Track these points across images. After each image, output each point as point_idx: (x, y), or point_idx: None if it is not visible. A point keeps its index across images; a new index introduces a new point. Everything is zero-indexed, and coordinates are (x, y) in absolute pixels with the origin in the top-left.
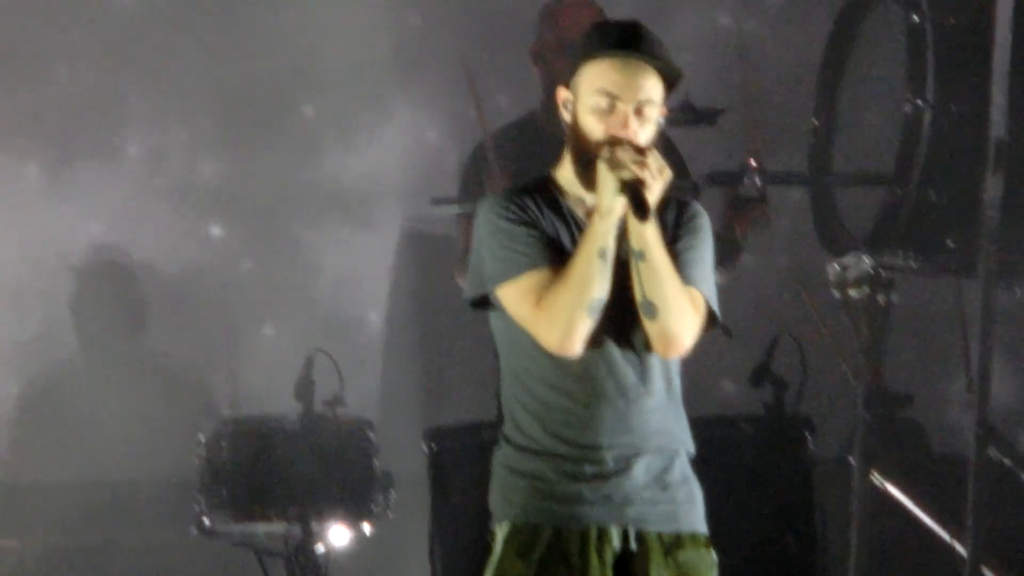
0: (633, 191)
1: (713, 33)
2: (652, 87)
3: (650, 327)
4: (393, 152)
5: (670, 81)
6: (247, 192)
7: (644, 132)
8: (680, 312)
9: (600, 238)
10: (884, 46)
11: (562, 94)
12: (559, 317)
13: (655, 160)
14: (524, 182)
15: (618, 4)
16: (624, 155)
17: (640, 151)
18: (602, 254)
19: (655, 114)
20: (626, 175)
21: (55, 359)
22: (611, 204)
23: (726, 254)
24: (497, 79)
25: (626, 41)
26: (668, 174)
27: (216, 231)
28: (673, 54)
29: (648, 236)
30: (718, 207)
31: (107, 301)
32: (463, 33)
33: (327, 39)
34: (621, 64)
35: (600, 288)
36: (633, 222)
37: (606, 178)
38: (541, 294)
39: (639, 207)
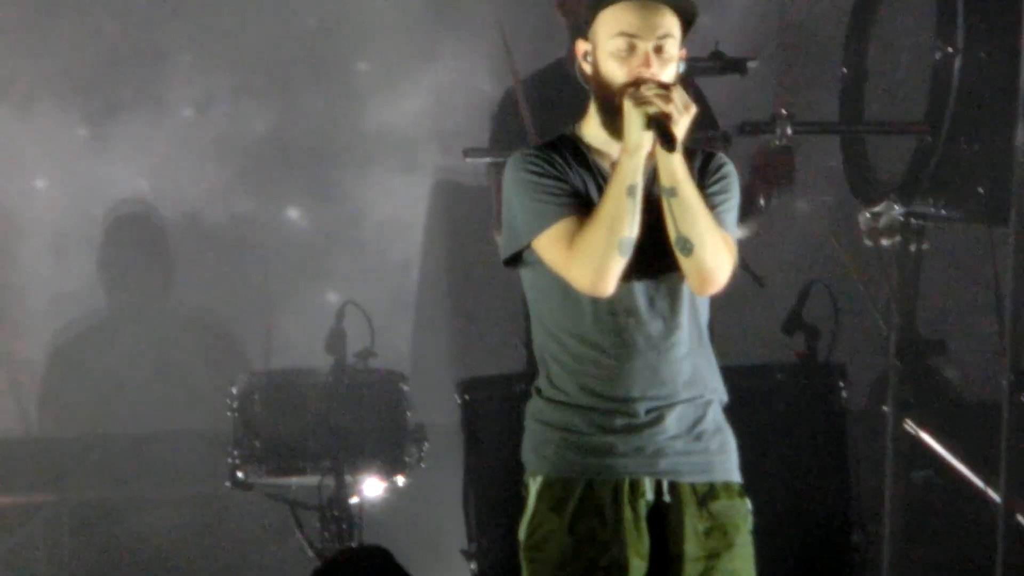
0: (659, 124)
1: None
2: (669, 23)
3: (686, 264)
4: (439, 98)
5: (686, 19)
6: (292, 140)
7: (666, 70)
8: (715, 247)
9: (629, 175)
10: None
11: (581, 46)
12: (591, 256)
13: (680, 95)
14: (549, 139)
15: None
16: (648, 91)
17: (664, 87)
18: (631, 191)
19: (675, 51)
20: (652, 110)
21: (93, 311)
22: (638, 140)
23: (747, 211)
24: (540, 28)
25: None
26: (693, 109)
27: (261, 180)
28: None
29: (678, 171)
30: (749, 158)
31: (148, 253)
32: None
33: None
34: (636, 5)
35: (630, 226)
36: (663, 158)
37: (632, 114)
38: (573, 238)
39: (666, 139)
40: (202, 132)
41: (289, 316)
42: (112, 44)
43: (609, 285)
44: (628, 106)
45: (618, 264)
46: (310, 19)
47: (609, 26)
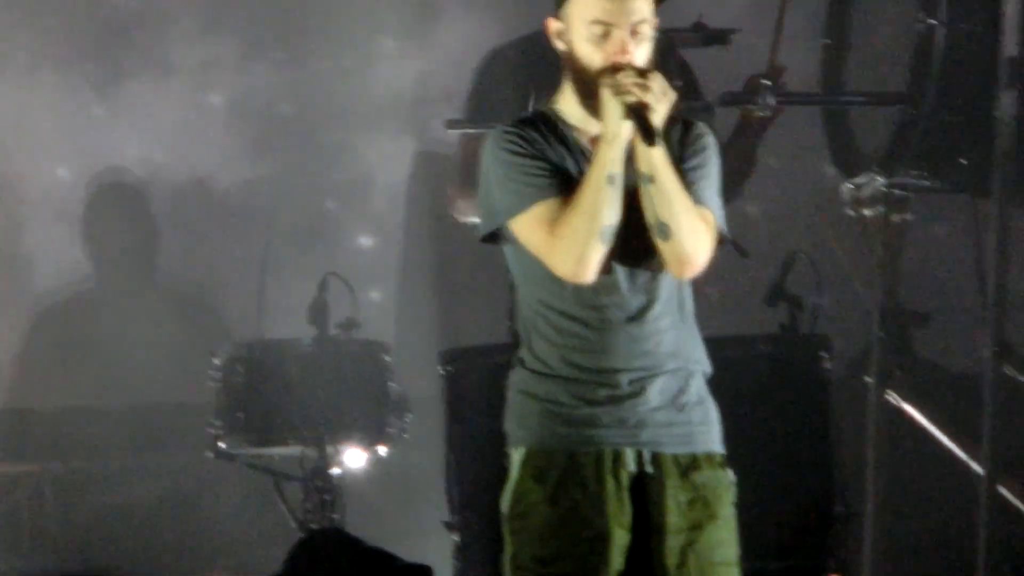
0: (638, 115)
1: None
2: (642, 6)
3: (664, 248)
4: (447, 58)
5: None
6: (300, 104)
7: (641, 52)
8: (693, 231)
9: (608, 164)
10: None
11: (553, 25)
12: (572, 245)
13: (658, 82)
14: (525, 115)
15: None
16: (626, 79)
17: (642, 74)
18: (611, 180)
19: (649, 31)
20: (631, 100)
21: (79, 281)
22: (617, 130)
23: (735, 176)
24: None
25: None
26: (672, 96)
27: (269, 145)
28: None
29: (656, 159)
30: (731, 129)
31: (138, 221)
32: None
33: None
34: None
35: (611, 214)
36: (641, 146)
37: (610, 104)
38: (553, 223)
39: (646, 132)
40: (209, 96)
41: (281, 286)
42: (115, 9)
43: (590, 272)
44: (606, 96)
45: (599, 252)
46: None
47: (582, 12)
